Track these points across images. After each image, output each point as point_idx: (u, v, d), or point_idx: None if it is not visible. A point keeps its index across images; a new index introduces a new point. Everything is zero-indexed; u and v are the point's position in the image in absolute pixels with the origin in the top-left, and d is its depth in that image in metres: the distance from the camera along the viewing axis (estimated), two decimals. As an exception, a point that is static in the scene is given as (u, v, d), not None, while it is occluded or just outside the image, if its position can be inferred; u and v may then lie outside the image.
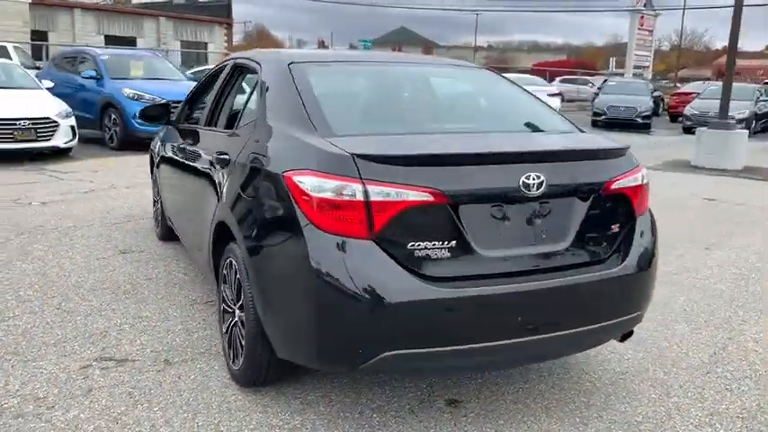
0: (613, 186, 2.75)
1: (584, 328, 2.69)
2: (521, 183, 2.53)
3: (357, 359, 2.44)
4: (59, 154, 9.81)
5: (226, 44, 37.06)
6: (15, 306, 3.96)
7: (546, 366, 3.34)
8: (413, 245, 2.41)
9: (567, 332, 2.64)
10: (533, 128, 3.31)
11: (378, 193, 2.36)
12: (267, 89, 3.13)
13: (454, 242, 2.46)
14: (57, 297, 4.11)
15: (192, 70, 17.51)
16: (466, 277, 2.49)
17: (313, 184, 2.41)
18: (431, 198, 2.42)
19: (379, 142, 2.65)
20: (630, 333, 3.02)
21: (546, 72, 38.72)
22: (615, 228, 2.80)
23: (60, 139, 9.59)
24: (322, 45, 54.52)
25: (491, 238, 2.54)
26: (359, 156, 2.41)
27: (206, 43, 36.06)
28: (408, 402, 2.96)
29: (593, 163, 2.79)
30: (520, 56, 79.67)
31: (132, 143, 10.84)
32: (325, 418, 2.81)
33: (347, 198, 2.36)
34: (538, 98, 3.53)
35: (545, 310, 2.60)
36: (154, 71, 12.24)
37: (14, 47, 16.37)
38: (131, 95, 10.85)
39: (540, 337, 2.59)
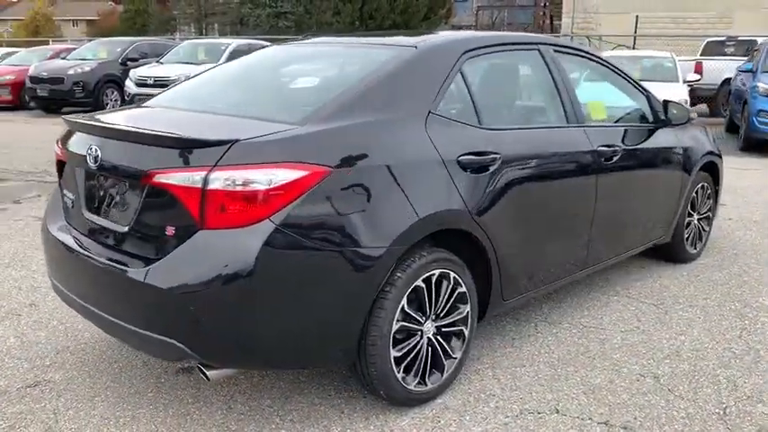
0: (155, 180, 2.31)
1: (137, 330, 2.37)
2: (86, 153, 2.58)
3: None
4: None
5: None
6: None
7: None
8: (64, 192, 2.88)
9: (120, 323, 2.43)
10: (273, 114, 2.66)
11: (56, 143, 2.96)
12: None
13: (75, 196, 2.78)
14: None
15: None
16: (69, 227, 2.78)
17: None
18: (60, 154, 2.87)
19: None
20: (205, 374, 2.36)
21: None
22: (170, 231, 2.28)
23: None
24: None
25: (91, 200, 2.66)
26: None
27: None
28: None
29: (142, 148, 2.43)
30: None
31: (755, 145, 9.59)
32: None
33: None
34: (375, 87, 2.66)
35: (88, 284, 2.60)
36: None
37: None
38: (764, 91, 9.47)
39: (88, 306, 2.56)
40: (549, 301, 3.83)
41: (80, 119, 2.73)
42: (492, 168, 2.82)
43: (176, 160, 2.26)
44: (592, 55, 3.80)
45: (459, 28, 46.78)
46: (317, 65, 3.31)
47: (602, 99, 3.79)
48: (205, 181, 2.18)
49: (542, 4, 28.78)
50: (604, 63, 3.85)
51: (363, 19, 32.08)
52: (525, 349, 3.24)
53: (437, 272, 2.63)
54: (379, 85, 2.65)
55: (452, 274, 2.70)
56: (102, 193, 2.59)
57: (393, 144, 2.53)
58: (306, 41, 3.71)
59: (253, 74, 3.33)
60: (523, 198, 2.99)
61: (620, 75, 3.91)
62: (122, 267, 2.37)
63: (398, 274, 2.50)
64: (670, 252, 4.46)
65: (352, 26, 30.18)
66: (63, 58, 15.13)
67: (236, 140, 2.23)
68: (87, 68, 13.93)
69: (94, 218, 2.62)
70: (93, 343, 3.24)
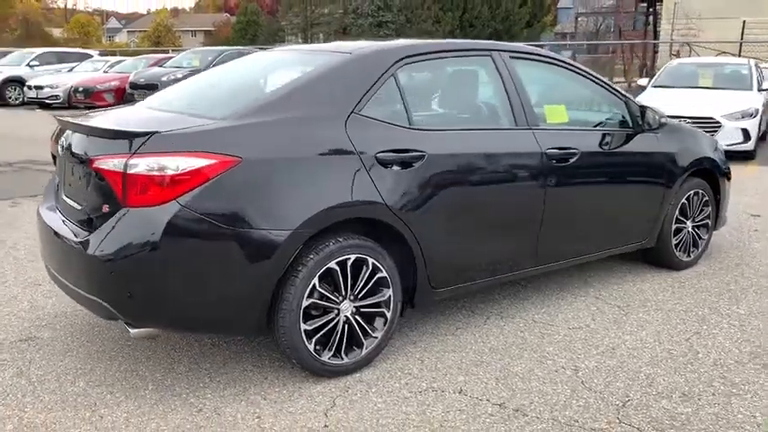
0: (95, 165, 2.76)
1: (81, 292, 2.81)
2: (61, 144, 3.11)
3: None
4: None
5: None
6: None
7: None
8: (55, 178, 3.39)
9: (72, 286, 2.86)
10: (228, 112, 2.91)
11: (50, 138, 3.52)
12: None
13: (59, 181, 3.29)
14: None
15: None
16: (56, 209, 3.22)
17: None
18: (51, 148, 3.38)
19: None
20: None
21: None
22: (105, 208, 2.72)
23: (721, 140, 9.25)
24: None
25: (68, 184, 3.10)
26: None
27: None
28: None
29: (90, 139, 2.91)
30: None
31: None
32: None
33: None
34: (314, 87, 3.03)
35: (57, 254, 3.02)
36: None
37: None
38: None
39: (60, 278, 3.00)
40: (510, 297, 3.98)
41: (62, 117, 3.22)
42: (417, 165, 3.05)
43: (109, 148, 2.69)
44: (561, 61, 3.92)
45: (564, 35, 45.92)
46: (271, 70, 3.65)
47: (566, 103, 3.90)
48: (126, 165, 2.59)
49: (632, 10, 28.00)
50: (575, 69, 3.95)
51: (463, 27, 32.16)
52: (464, 338, 3.43)
53: (353, 256, 2.90)
54: (303, 87, 2.98)
55: (370, 260, 2.96)
56: (71, 178, 3.06)
57: (307, 139, 2.84)
58: (275, 50, 4.10)
59: (219, 78, 3.73)
60: (453, 194, 3.19)
61: (593, 80, 4.00)
62: (72, 238, 2.82)
63: (311, 256, 2.80)
64: (657, 257, 4.46)
65: (452, 35, 30.36)
66: (161, 66, 16.41)
67: (155, 132, 2.62)
68: (180, 75, 15.06)
69: (65, 198, 3.10)
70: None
